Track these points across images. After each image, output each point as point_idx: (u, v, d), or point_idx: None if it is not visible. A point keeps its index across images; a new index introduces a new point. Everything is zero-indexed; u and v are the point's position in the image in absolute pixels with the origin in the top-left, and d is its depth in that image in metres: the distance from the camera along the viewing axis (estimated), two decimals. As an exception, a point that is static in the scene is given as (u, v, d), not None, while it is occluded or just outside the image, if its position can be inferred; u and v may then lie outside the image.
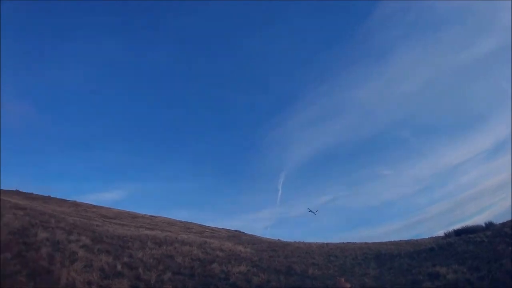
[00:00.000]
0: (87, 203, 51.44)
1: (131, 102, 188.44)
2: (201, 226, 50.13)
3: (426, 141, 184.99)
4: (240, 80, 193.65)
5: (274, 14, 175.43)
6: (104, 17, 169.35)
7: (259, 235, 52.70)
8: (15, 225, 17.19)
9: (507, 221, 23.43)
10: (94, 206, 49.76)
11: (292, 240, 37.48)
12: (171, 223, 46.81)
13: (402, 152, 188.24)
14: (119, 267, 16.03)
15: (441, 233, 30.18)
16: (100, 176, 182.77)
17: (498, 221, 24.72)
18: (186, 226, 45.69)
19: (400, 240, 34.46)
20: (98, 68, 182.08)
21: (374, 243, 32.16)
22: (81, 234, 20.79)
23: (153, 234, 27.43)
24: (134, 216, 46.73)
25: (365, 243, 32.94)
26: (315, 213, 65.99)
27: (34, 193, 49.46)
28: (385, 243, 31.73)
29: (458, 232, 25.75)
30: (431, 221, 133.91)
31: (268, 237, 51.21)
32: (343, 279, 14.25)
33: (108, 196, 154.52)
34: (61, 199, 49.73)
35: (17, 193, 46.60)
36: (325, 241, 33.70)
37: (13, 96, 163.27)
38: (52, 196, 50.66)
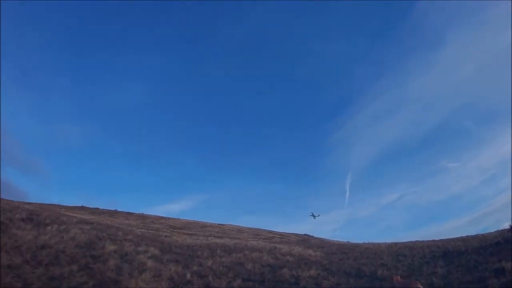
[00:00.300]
0: (154, 215, 53.13)
1: (194, 114, 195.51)
2: (270, 232, 50.12)
3: (488, 128, 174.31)
4: (301, 82, 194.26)
5: (327, 14, 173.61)
6: (162, 29, 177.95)
7: (328, 238, 52.38)
8: (82, 239, 17.51)
9: None
10: (162, 218, 51.19)
11: (361, 241, 36.61)
12: (240, 230, 47.03)
13: (465, 142, 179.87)
14: (188, 276, 16.05)
15: (507, 225, 27.51)
16: (167, 188, 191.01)
17: None
18: (255, 233, 45.66)
19: (467, 236, 32.52)
20: (162, 82, 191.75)
21: (441, 240, 30.94)
22: (150, 245, 21.11)
23: (222, 242, 27.87)
24: (202, 226, 47.32)
25: (433, 240, 32.01)
26: (315, 217, 65.44)
27: (100, 208, 52.12)
28: (453, 240, 30.13)
29: (524, 224, 23.90)
30: (498, 213, 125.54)
31: (337, 239, 50.50)
32: (398, 277, 15.01)
33: (175, 207, 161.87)
34: (128, 212, 51.77)
35: (83, 208, 49.26)
36: (394, 241, 32.64)
37: (76, 115, 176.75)
38: (118, 210, 53.10)
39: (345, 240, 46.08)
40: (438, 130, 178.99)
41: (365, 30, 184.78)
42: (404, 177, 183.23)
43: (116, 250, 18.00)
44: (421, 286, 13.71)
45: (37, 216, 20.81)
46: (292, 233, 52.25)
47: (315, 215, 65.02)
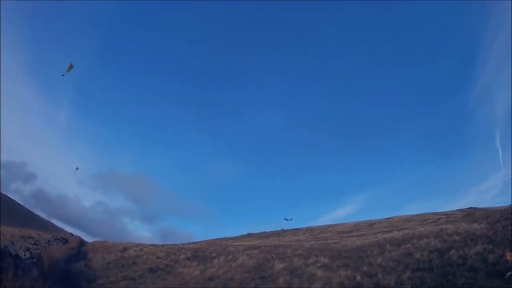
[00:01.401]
0: (322, 225, 54.37)
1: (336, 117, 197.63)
2: (435, 214, 47.28)
3: None
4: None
5: None
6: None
7: (491, 206, 47.39)
8: (250, 264, 19.11)
9: None
10: (330, 226, 52.12)
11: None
12: (407, 219, 45.21)
13: None
14: (358, 277, 16.26)
15: None
16: (328, 196, 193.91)
17: None
18: (422, 218, 43.42)
19: None
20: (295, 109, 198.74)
21: None
22: (319, 256, 21.96)
23: (390, 236, 27.33)
24: (370, 224, 46.70)
25: None
26: (289, 220, 63.57)
27: (266, 231, 55.82)
28: None
29: None
30: None
31: (500, 205, 44.60)
32: (510, 253, 13.34)
33: (341, 212, 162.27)
34: (295, 228, 54.24)
35: (249, 235, 53.67)
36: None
37: (225, 152, 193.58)
38: (285, 228, 55.83)
39: (508, 204, 40.98)
40: None
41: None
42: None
43: (285, 267, 19.31)
44: None
45: (203, 252, 23.59)
46: (457, 210, 48.87)
47: (287, 219, 61.83)
